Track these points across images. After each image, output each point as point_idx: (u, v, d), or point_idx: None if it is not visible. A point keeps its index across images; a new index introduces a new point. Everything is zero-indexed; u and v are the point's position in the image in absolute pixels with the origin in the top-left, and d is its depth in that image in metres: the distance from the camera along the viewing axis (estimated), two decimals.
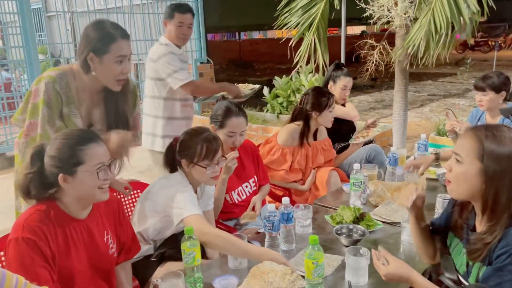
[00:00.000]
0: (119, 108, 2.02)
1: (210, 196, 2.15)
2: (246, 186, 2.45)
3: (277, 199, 2.82)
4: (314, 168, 2.87)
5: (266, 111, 6.66)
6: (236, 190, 2.40)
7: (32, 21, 5.57)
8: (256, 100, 7.30)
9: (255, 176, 2.51)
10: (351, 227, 1.97)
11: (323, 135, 3.00)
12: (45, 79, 1.87)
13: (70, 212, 1.54)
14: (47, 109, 1.86)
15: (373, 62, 4.56)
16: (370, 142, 3.36)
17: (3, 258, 1.64)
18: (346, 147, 3.16)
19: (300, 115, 2.86)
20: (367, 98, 10.12)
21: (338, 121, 3.23)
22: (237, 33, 22.90)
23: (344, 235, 1.92)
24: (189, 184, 1.93)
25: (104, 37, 1.83)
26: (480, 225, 1.35)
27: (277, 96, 6.49)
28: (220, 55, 16.75)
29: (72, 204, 1.54)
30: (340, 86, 3.41)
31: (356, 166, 2.30)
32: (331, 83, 3.45)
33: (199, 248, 1.65)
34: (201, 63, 7.39)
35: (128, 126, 2.06)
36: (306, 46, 4.64)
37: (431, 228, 1.62)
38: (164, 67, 2.80)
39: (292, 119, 2.91)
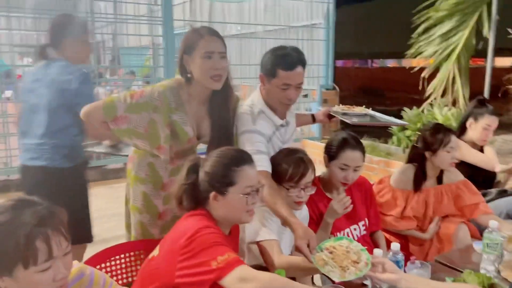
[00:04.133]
0: (222, 122, 2.02)
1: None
2: (355, 229, 2.20)
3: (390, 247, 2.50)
4: (439, 216, 2.49)
5: (392, 144, 6.22)
6: (342, 232, 2.16)
7: (174, 43, 6.06)
8: (381, 131, 6.89)
9: (366, 219, 2.25)
10: None
11: (454, 176, 2.57)
12: (158, 88, 1.96)
13: (220, 225, 1.54)
14: (157, 115, 1.92)
15: None
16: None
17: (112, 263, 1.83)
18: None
19: (415, 155, 2.52)
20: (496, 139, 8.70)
21: (472, 166, 2.81)
22: (369, 60, 22.33)
23: None
24: None
25: (192, 35, 1.93)
26: None
27: (405, 128, 6.02)
28: (350, 82, 16.41)
29: (218, 221, 1.55)
30: (482, 125, 2.95)
31: (493, 223, 1.90)
32: (471, 120, 3.01)
33: None
34: (327, 89, 7.28)
35: (230, 141, 2.03)
36: (443, 77, 4.20)
37: None
38: (242, 145, 2.02)
39: (409, 159, 2.58)
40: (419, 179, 2.46)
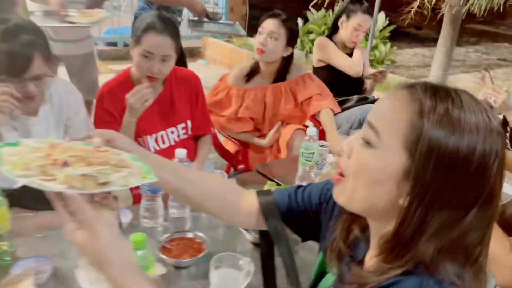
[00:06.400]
0: None
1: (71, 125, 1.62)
2: (172, 132, 1.86)
3: (228, 157, 2.23)
4: (282, 122, 2.24)
5: (295, 48, 5.89)
6: (155, 135, 1.82)
7: None
8: None
9: (188, 121, 1.92)
10: None
11: (296, 72, 2.29)
12: None
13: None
14: None
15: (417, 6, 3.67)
16: (373, 101, 2.65)
17: None
18: None
19: None
20: (408, 52, 8.51)
21: (337, 70, 2.59)
22: None
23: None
24: None
25: None
26: (370, 260, 0.73)
27: (309, 32, 5.67)
28: None
29: None
30: (353, 24, 2.65)
31: (311, 131, 1.66)
32: (343, 17, 2.70)
33: None
34: None
35: None
36: None
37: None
38: None
39: None
40: (254, 71, 2.17)
